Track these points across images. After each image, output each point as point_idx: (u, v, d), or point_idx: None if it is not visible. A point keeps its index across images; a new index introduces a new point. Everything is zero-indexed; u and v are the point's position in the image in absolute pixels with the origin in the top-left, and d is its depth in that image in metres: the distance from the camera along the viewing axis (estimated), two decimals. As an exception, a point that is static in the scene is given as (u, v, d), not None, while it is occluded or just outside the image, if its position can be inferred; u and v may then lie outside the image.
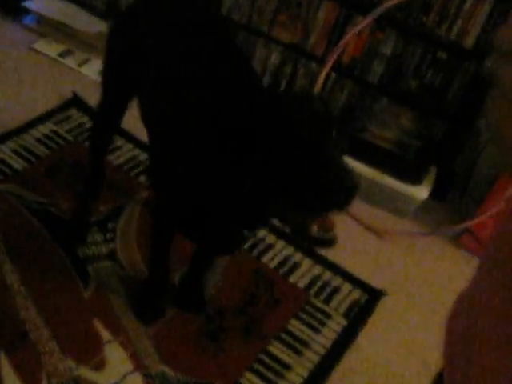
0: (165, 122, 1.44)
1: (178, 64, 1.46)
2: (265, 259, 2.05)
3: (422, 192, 2.43)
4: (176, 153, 1.39)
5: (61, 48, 2.85)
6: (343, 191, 1.00)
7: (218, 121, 1.20)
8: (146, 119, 1.57)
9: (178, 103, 1.39)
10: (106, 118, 1.83)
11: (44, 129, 2.35)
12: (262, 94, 1.18)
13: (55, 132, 2.35)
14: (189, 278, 1.86)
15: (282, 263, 2.07)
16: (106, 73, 1.73)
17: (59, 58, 2.80)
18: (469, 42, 2.38)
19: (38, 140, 2.29)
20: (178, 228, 1.55)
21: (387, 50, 2.53)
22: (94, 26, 2.91)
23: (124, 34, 1.63)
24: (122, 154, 2.32)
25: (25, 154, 2.21)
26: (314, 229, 1.07)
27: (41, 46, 2.84)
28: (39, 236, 1.93)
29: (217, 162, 1.22)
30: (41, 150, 2.24)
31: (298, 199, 1.05)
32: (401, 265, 2.27)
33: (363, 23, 2.36)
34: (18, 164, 2.15)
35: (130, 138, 2.37)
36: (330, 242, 1.10)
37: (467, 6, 2.34)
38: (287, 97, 1.15)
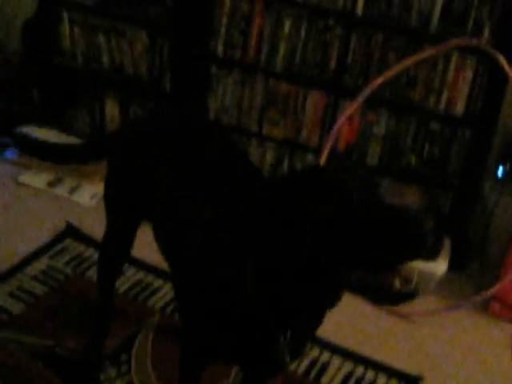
0: (192, 251, 1.36)
1: (193, 185, 1.42)
2: (291, 367, 1.96)
3: (440, 266, 2.33)
4: (211, 282, 1.29)
5: (48, 178, 2.83)
6: (423, 230, 0.99)
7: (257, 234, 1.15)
8: (165, 250, 1.50)
9: (204, 228, 1.33)
10: (115, 248, 1.77)
11: (40, 265, 2.28)
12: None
13: (52, 267, 2.28)
14: None
15: (309, 367, 2.01)
16: (111, 201, 1.68)
17: (48, 189, 2.77)
18: (459, 109, 2.42)
19: (35, 278, 2.21)
20: (217, 358, 1.44)
21: (381, 129, 2.55)
22: (79, 149, 2.91)
23: (130, 160, 1.59)
24: (126, 279, 2.25)
25: (22, 295, 2.11)
26: (396, 284, 1.03)
27: (27, 178, 2.82)
28: (46, 381, 1.82)
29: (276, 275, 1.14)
30: (39, 289, 2.15)
31: (378, 257, 1.01)
32: (432, 344, 2.22)
33: (352, 107, 2.42)
34: (15, 308, 2.05)
35: (132, 260, 2.28)
36: (414, 294, 1.06)
37: (450, 75, 2.40)
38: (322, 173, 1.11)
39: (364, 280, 1.03)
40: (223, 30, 2.62)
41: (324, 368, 2.01)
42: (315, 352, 2.05)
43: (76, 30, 2.91)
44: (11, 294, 2.12)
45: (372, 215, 1.01)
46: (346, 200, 1.03)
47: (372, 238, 1.00)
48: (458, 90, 2.38)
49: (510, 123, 2.49)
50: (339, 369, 2.02)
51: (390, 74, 2.33)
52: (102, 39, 2.88)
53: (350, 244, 1.02)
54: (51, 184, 2.79)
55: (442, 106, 2.42)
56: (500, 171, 2.44)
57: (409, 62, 2.33)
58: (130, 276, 2.26)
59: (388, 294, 1.03)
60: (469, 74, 2.36)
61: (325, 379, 1.96)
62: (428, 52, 2.33)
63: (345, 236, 1.02)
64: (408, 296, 1.05)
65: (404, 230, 0.99)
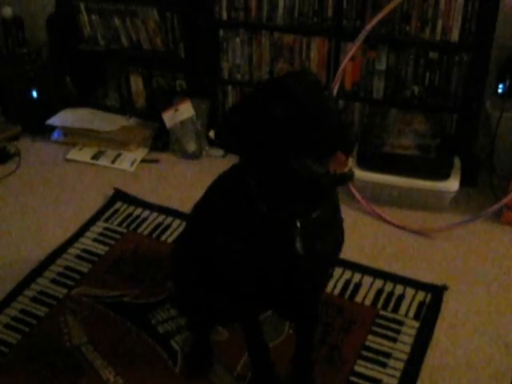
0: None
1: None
2: (328, 289, 2.09)
3: (452, 184, 2.47)
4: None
5: (92, 151, 3.01)
6: (337, 128, 1.18)
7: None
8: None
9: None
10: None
11: (97, 228, 2.47)
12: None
13: (108, 228, 2.47)
14: (299, 362, 1.78)
15: (344, 288, 2.12)
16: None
17: (93, 161, 2.95)
18: (454, 36, 2.46)
19: (95, 240, 2.39)
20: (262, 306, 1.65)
21: (382, 65, 2.62)
22: (114, 123, 3.07)
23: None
24: (172, 232, 2.43)
25: (87, 256, 2.30)
26: (332, 169, 1.22)
27: (74, 154, 3.00)
28: (120, 326, 1.98)
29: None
30: (100, 249, 2.34)
31: (311, 145, 1.20)
32: (452, 256, 2.30)
33: (353, 49, 2.46)
34: (83, 267, 2.24)
35: (177, 214, 2.50)
36: (349, 176, 1.23)
37: (442, 5, 2.43)
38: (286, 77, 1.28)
39: (310, 169, 1.23)
40: (225, -5, 2.69)
41: (357, 288, 2.11)
42: (347, 274, 2.16)
43: (94, 17, 3.01)
44: (78, 257, 2.30)
45: (307, 111, 1.19)
46: (290, 99, 1.21)
47: (306, 129, 1.19)
48: (452, 17, 2.42)
49: (505, 41, 2.49)
50: (370, 287, 2.12)
51: (384, 12, 2.36)
52: (117, 22, 2.97)
53: (295, 134, 1.20)
54: (95, 157, 2.97)
55: (438, 35, 2.47)
56: (500, 88, 2.47)
57: (400, -1, 2.35)
58: (176, 228, 2.44)
59: (327, 177, 1.22)
60: (460, 1, 2.38)
61: (358, 297, 2.07)
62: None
63: (291, 128, 1.21)
64: (344, 178, 1.23)
65: (324, 124, 1.17)
